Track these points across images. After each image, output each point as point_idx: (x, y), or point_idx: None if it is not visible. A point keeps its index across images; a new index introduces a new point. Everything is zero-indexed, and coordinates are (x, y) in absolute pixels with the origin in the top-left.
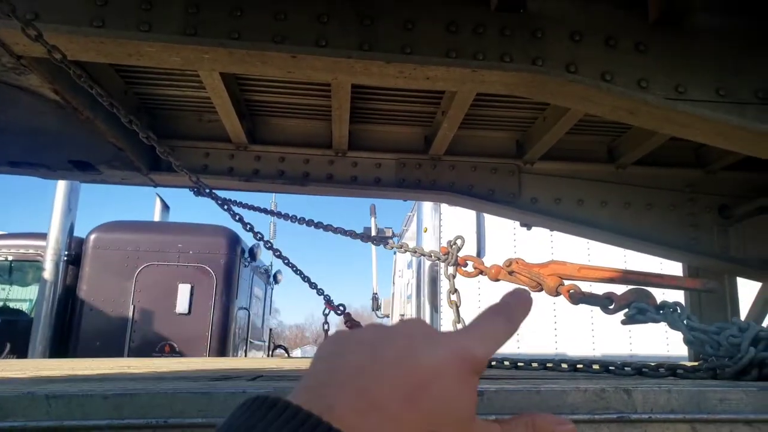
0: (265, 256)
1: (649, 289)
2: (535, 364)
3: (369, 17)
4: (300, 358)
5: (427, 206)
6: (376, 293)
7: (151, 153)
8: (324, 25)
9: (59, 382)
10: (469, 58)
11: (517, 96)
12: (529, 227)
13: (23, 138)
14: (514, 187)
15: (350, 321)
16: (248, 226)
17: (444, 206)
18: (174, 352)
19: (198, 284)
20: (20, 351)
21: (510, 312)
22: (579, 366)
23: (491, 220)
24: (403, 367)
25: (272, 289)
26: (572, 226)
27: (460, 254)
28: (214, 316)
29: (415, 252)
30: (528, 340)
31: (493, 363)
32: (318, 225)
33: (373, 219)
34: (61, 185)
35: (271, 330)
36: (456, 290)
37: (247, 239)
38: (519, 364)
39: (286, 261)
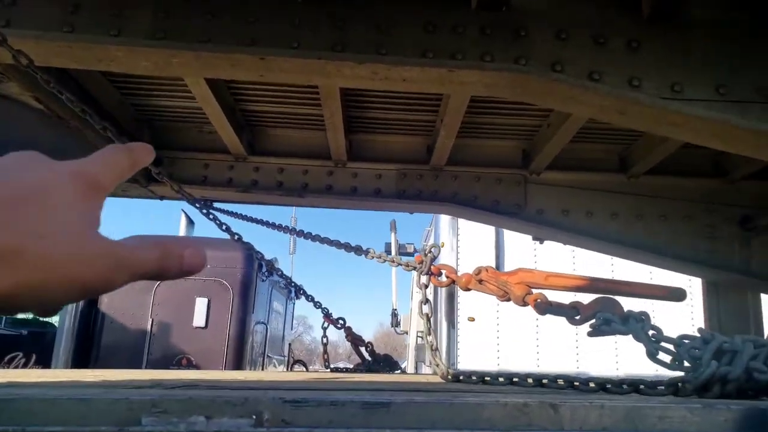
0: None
1: (621, 298)
2: (501, 378)
3: (342, 19)
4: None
5: (445, 221)
6: (396, 309)
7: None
8: (296, 27)
9: None
10: (447, 58)
11: (521, 102)
12: (541, 241)
13: (16, 149)
14: (520, 198)
15: (351, 335)
16: (236, 236)
17: (462, 221)
18: (191, 365)
19: (215, 298)
20: (46, 362)
21: (133, 150)
22: (544, 381)
23: (511, 234)
24: (9, 177)
25: (293, 303)
26: (581, 238)
27: (437, 263)
28: (231, 329)
29: (393, 262)
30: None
31: (461, 377)
32: (300, 233)
33: (393, 234)
34: None
35: (290, 345)
36: (428, 300)
37: (266, 253)
38: (486, 378)
39: (279, 273)
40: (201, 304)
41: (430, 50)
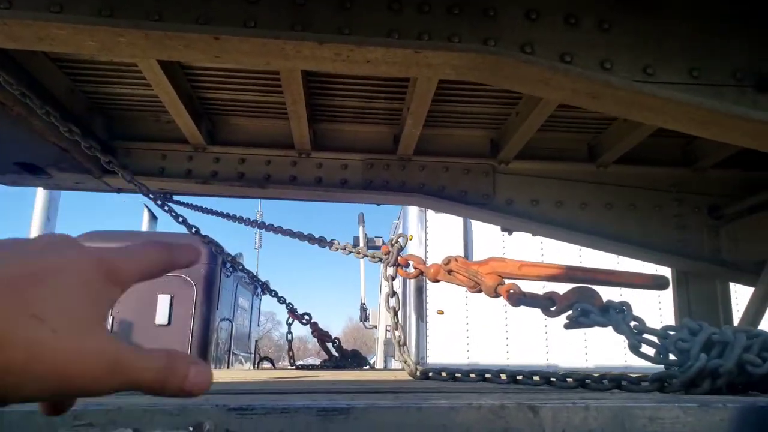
0: (251, 266)
1: (599, 288)
2: (473, 375)
3: None
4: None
5: (413, 213)
6: (364, 303)
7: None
8: (254, 5)
9: None
10: (413, 39)
11: (489, 90)
12: (510, 232)
13: None
14: (489, 188)
15: (317, 330)
16: (193, 229)
17: (430, 213)
18: None
19: (178, 295)
20: None
21: (173, 250)
22: (519, 377)
23: (480, 226)
24: (25, 256)
25: (260, 299)
26: (551, 229)
27: (404, 254)
28: (194, 327)
29: (358, 253)
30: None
31: (430, 374)
32: (262, 225)
33: (361, 228)
34: (40, 195)
35: (257, 342)
36: (395, 293)
37: (231, 249)
38: (456, 375)
39: (241, 267)
40: (163, 301)
41: (396, 30)
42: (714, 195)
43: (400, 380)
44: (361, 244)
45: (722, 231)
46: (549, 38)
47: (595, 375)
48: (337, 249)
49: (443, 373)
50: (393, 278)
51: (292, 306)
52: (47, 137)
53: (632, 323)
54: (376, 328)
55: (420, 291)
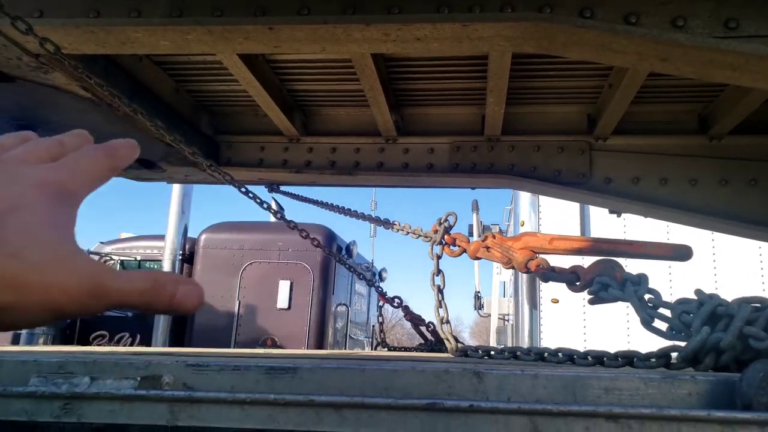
0: (367, 254)
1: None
2: (505, 353)
3: None
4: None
5: (524, 198)
6: (479, 291)
7: (206, 147)
8: None
9: None
10: (464, 11)
11: (576, 62)
12: (618, 214)
13: None
14: (585, 166)
15: (409, 314)
16: (280, 214)
17: (543, 197)
18: (275, 346)
19: (297, 281)
20: (148, 341)
21: (112, 149)
22: (545, 355)
23: (598, 210)
24: None
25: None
26: (654, 208)
27: (453, 232)
28: (312, 311)
29: (414, 234)
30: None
31: (468, 352)
32: (326, 206)
33: (475, 215)
34: (176, 190)
35: (374, 326)
36: (440, 271)
37: (345, 237)
38: (491, 353)
39: (335, 257)
40: (284, 287)
41: (445, 4)
42: None
43: (438, 356)
44: (475, 232)
45: None
46: None
47: (612, 353)
48: (398, 230)
49: (480, 351)
50: (439, 257)
51: (382, 289)
52: (152, 133)
53: (647, 296)
54: (489, 316)
55: (533, 280)
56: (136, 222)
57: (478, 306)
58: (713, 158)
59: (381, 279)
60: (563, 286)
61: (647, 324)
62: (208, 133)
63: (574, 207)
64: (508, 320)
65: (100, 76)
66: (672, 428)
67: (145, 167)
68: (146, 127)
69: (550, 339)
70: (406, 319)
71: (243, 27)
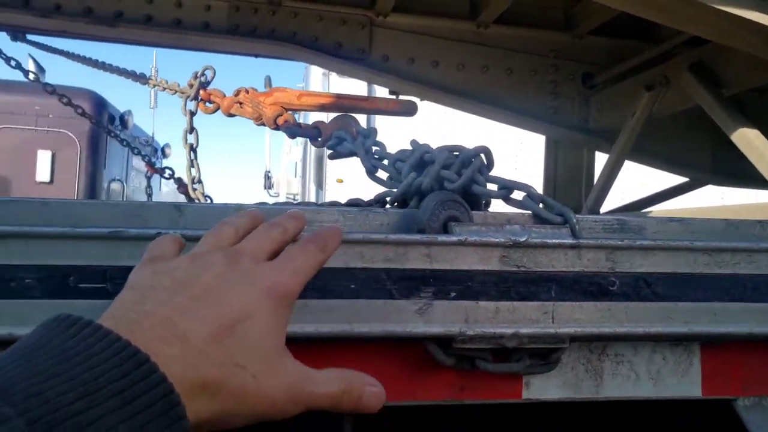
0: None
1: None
2: None
3: None
4: None
5: (315, 77)
6: (269, 171)
7: None
8: None
9: None
10: None
11: None
12: (397, 95)
13: None
14: (365, 42)
15: (182, 186)
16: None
17: (333, 77)
18: None
19: (60, 151)
20: None
21: (322, 242)
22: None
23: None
24: (212, 304)
25: (160, 161)
26: (426, 90)
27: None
28: (79, 186)
29: (165, 88)
30: None
31: None
32: (81, 59)
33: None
34: None
35: None
36: (194, 129)
37: (120, 106)
38: None
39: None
40: (44, 157)
41: None
42: (589, 63)
43: None
44: None
45: (592, 100)
46: None
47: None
48: (154, 86)
49: None
50: (193, 114)
51: (149, 158)
52: None
53: (374, 148)
54: (279, 195)
55: (320, 160)
56: None
57: (268, 186)
58: (479, 45)
59: (164, 155)
60: (349, 166)
61: (371, 174)
62: None
63: (363, 88)
64: (295, 200)
65: None
66: (355, 251)
67: None
68: None
69: None
70: (180, 192)
71: None
